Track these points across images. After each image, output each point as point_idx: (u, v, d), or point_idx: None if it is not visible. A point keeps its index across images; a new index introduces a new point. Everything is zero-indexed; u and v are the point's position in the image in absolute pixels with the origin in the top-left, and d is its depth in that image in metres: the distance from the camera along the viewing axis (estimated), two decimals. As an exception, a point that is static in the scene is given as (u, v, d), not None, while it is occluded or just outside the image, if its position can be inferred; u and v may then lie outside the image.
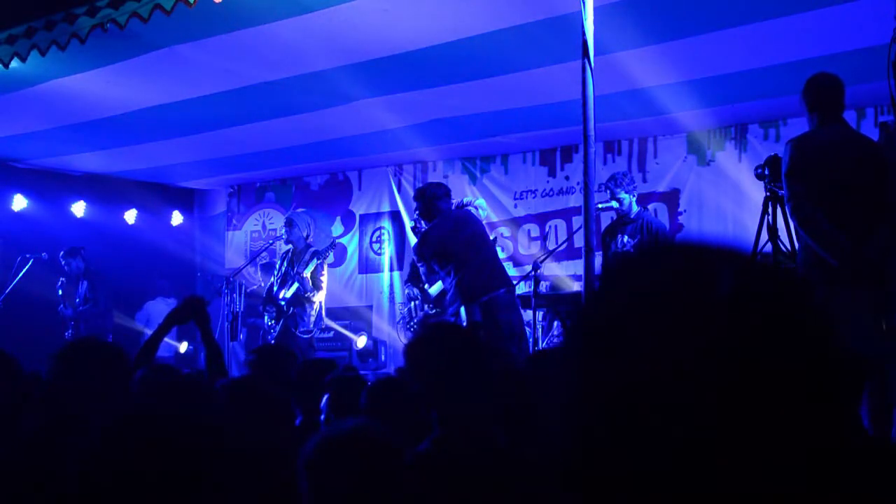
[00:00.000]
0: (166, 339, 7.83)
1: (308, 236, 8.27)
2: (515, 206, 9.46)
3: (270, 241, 9.91)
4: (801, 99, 4.68)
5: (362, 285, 10.30)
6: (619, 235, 7.13)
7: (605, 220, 7.64)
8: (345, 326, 9.44)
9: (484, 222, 7.26)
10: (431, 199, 6.80)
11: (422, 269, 7.00)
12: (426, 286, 7.39)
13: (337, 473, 1.92)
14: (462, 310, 6.54)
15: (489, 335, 6.23)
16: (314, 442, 1.98)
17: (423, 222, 7.01)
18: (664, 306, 0.76)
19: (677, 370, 0.73)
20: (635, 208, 7.21)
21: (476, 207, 7.32)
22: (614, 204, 7.12)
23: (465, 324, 6.44)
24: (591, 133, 4.53)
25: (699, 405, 0.73)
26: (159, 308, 10.27)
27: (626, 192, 7.12)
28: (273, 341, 7.94)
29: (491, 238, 7.21)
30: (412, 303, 7.90)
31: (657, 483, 0.74)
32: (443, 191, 6.90)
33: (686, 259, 0.80)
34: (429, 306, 7.58)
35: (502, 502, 2.30)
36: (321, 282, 8.08)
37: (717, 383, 0.73)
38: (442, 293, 7.02)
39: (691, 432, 0.73)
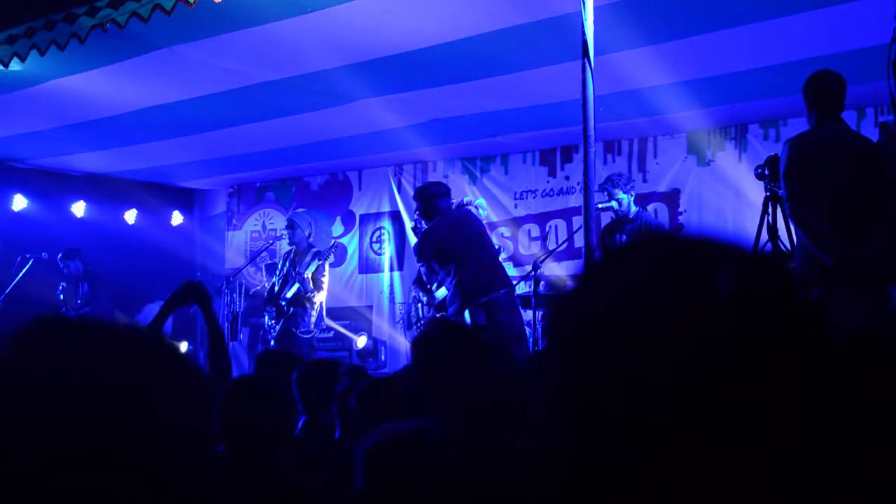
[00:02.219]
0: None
1: (310, 236, 8.27)
2: (515, 206, 9.46)
3: (270, 242, 9.90)
4: (803, 95, 4.68)
5: (362, 285, 10.29)
6: (618, 235, 7.13)
7: (604, 221, 7.64)
8: (345, 326, 9.43)
9: (484, 222, 7.25)
10: (431, 199, 6.80)
11: (422, 270, 7.00)
12: (432, 289, 7.37)
13: (395, 470, 1.94)
14: (466, 312, 6.54)
15: (490, 336, 6.23)
16: (377, 438, 2.00)
17: (423, 222, 7.01)
18: (661, 301, 0.75)
19: (675, 369, 0.73)
20: (633, 208, 7.21)
21: (476, 207, 7.32)
22: (613, 204, 7.12)
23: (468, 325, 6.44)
24: (591, 133, 4.53)
25: (696, 406, 0.72)
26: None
27: (624, 193, 7.12)
28: (273, 341, 7.94)
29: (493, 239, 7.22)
30: (418, 304, 7.86)
31: (644, 486, 0.73)
32: (442, 190, 6.90)
33: (683, 253, 0.80)
34: (434, 309, 7.55)
35: (501, 502, 2.29)
36: (322, 282, 8.08)
37: (717, 383, 0.72)
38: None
39: (687, 435, 0.72)
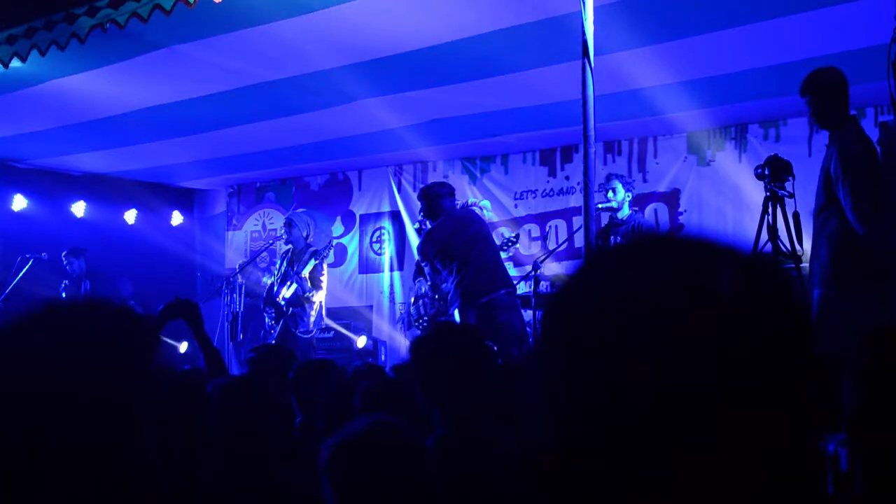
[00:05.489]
0: (168, 340, 7.85)
1: (308, 236, 8.27)
2: (516, 206, 9.46)
3: (270, 241, 9.90)
4: (827, 93, 4.71)
5: (362, 285, 10.30)
6: (612, 237, 7.13)
7: (602, 222, 7.64)
8: (345, 326, 9.43)
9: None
10: (435, 199, 6.81)
11: (426, 269, 7.00)
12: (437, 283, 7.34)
13: (361, 474, 1.88)
14: (456, 312, 6.54)
15: (490, 336, 6.23)
16: (334, 443, 1.92)
17: (427, 222, 7.01)
18: (657, 300, 0.74)
19: (671, 368, 0.72)
20: (626, 210, 7.20)
21: (481, 208, 7.33)
22: (610, 195, 7.12)
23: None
24: (591, 133, 4.53)
25: (692, 407, 0.71)
26: None
27: (623, 187, 7.13)
28: (274, 342, 7.93)
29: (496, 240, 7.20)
30: (419, 300, 7.82)
31: (641, 484, 0.73)
32: (446, 190, 6.91)
33: (680, 252, 0.79)
34: (440, 301, 7.49)
35: (504, 501, 2.30)
36: (321, 281, 8.07)
37: (715, 383, 0.72)
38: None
39: (681, 434, 0.71)
